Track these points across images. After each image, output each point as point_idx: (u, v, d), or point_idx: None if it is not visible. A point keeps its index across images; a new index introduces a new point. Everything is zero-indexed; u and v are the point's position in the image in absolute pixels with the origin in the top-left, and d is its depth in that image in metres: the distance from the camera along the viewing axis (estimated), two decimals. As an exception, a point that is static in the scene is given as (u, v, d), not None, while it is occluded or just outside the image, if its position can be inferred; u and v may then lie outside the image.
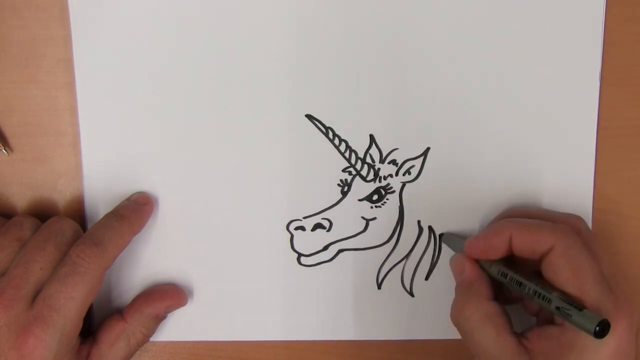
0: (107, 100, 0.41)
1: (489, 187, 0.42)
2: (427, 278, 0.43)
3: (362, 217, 0.42)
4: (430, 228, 0.42)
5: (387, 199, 0.42)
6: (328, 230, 0.42)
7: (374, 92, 0.41)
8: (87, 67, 0.40)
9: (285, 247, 0.42)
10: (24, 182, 0.41)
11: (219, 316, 0.42)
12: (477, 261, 0.39)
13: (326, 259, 0.42)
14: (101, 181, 0.41)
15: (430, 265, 0.43)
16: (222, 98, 0.41)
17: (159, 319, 0.41)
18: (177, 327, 0.42)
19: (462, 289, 0.39)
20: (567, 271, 0.36)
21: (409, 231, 0.42)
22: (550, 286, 0.36)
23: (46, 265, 0.36)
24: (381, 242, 0.42)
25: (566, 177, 0.42)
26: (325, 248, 0.42)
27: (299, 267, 0.42)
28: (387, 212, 0.42)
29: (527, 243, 0.37)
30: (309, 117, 0.41)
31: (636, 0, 0.42)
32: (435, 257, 0.42)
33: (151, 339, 0.41)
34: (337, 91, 0.41)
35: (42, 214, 0.41)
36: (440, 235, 0.42)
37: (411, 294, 0.43)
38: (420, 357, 0.43)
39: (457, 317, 0.38)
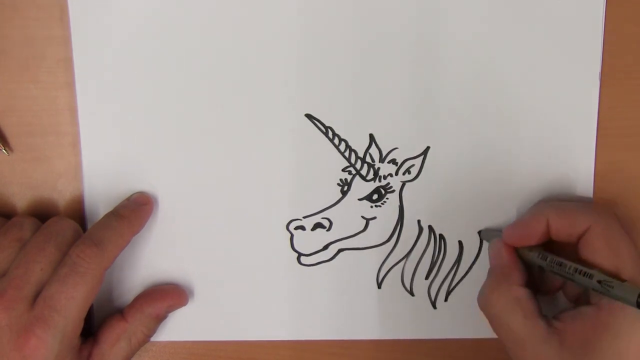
0: (107, 100, 0.41)
1: (489, 186, 0.42)
2: (427, 277, 0.43)
3: (362, 217, 0.42)
4: (430, 227, 0.42)
5: (387, 199, 0.42)
6: (328, 230, 0.42)
7: (374, 92, 0.41)
8: (87, 67, 0.40)
9: (285, 247, 0.42)
10: (24, 182, 0.41)
11: (219, 316, 0.42)
12: (516, 249, 0.39)
13: (326, 259, 0.42)
14: (101, 181, 0.41)
15: (431, 265, 0.43)
16: (221, 98, 0.41)
17: (160, 318, 0.41)
18: (177, 327, 0.42)
19: (493, 274, 0.39)
20: (605, 250, 0.36)
21: (409, 231, 0.42)
22: (589, 265, 0.36)
23: (46, 266, 0.36)
24: (381, 241, 0.42)
25: (566, 177, 0.42)
26: (325, 247, 0.42)
27: (299, 267, 0.42)
28: (387, 211, 0.42)
29: (564, 225, 0.37)
30: (309, 116, 0.41)
31: (636, 0, 0.42)
32: (436, 256, 0.42)
33: (151, 339, 0.41)
34: (337, 91, 0.41)
35: (42, 214, 0.41)
36: (479, 232, 0.42)
37: (411, 293, 0.43)
38: (420, 357, 0.43)
39: (484, 301, 0.38)
